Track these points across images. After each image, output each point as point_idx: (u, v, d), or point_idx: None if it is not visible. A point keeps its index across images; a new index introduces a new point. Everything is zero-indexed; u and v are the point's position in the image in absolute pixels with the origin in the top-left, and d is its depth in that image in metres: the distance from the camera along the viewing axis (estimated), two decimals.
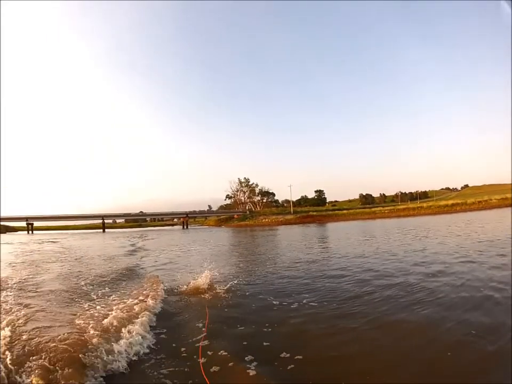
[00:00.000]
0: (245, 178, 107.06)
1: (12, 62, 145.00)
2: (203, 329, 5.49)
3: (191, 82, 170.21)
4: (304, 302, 6.93)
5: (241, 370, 4.13)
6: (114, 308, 6.98)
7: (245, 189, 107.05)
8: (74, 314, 6.47)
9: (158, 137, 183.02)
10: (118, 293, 8.88)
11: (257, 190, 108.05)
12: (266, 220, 76.67)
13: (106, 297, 8.36)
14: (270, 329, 5.57)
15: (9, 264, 15.89)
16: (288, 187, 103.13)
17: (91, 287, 9.77)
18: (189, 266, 12.96)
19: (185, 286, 9.27)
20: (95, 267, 14.55)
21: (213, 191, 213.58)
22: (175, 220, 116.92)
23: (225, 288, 8.71)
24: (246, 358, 4.43)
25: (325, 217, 71.82)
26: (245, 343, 5.02)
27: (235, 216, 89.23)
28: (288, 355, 4.49)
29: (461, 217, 39.68)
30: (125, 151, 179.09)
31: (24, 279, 11.60)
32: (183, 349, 4.89)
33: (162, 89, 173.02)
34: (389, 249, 14.50)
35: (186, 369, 4.25)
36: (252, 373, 4.05)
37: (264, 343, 4.95)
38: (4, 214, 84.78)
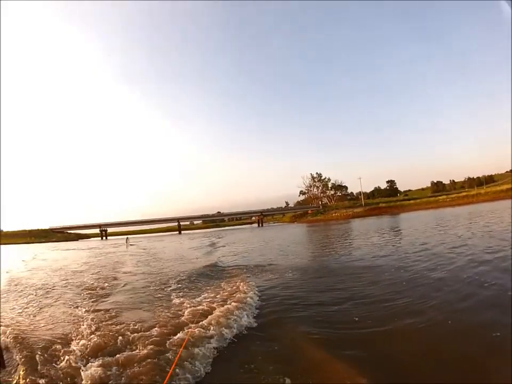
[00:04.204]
0: (317, 173, 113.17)
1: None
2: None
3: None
4: None
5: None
6: (214, 297, 8.84)
7: (317, 184, 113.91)
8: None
9: (232, 139, 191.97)
10: (210, 286, 10.68)
11: (329, 184, 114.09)
12: (336, 214, 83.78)
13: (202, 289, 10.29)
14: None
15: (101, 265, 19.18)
16: (359, 179, 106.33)
17: (179, 282, 11.58)
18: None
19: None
20: (175, 265, 17.25)
21: (289, 187, 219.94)
22: (253, 218, 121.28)
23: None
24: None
25: (392, 209, 77.62)
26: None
27: (309, 212, 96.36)
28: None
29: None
30: (198, 156, 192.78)
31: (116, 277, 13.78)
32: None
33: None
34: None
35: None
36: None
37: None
38: (77, 223, 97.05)
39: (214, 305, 7.95)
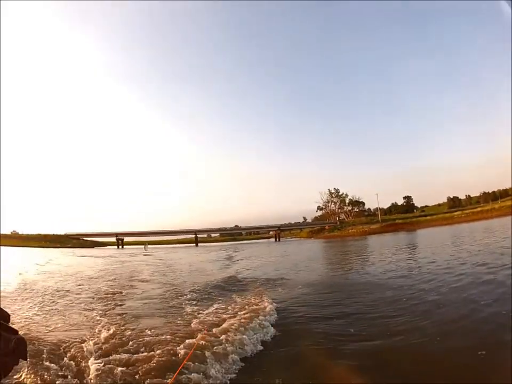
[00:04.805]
0: (334, 188, 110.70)
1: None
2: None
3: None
4: None
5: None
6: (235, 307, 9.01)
7: (335, 200, 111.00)
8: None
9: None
10: (223, 297, 10.91)
11: (347, 200, 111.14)
12: (353, 230, 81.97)
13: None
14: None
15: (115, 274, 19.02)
16: (375, 195, 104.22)
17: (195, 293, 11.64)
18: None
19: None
20: (191, 276, 17.48)
21: (308, 202, 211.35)
22: (270, 232, 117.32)
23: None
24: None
25: (408, 225, 75.66)
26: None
27: (326, 227, 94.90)
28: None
29: None
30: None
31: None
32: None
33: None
34: None
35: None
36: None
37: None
38: (93, 231, 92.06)
39: (225, 315, 8.27)
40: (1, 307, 1.30)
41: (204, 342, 6.01)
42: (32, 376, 4.71)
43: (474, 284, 10.25)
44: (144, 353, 5.64)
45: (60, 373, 4.94)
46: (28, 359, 4.97)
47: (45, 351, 5.64)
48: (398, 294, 10.16)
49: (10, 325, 1.26)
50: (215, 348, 5.85)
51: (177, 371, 4.54)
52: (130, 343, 6.20)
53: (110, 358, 5.42)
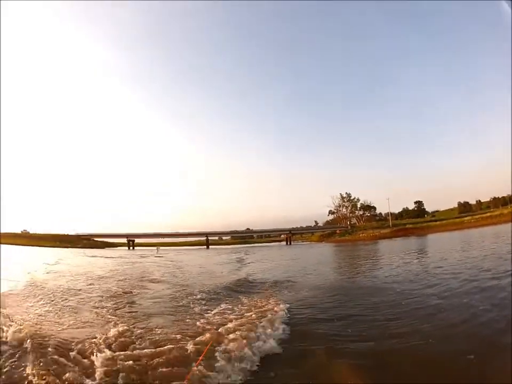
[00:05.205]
0: (346, 193, 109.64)
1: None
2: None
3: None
4: None
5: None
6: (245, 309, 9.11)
7: (346, 204, 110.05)
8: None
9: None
10: (231, 298, 11.02)
11: (358, 205, 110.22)
12: (364, 234, 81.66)
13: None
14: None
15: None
16: (387, 199, 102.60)
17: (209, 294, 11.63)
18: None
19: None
20: (201, 278, 17.54)
21: (320, 206, 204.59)
22: (282, 236, 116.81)
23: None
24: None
25: (418, 230, 74.67)
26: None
27: (337, 232, 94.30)
28: None
29: None
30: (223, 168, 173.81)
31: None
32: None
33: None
34: None
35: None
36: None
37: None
38: (107, 231, 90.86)
39: (233, 316, 8.45)
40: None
41: (214, 342, 6.09)
42: (42, 369, 4.79)
43: (478, 289, 10.17)
44: (153, 350, 5.71)
45: (69, 367, 5.02)
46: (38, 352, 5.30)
47: (55, 345, 5.77)
48: (401, 298, 10.14)
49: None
50: (227, 347, 5.92)
51: (196, 364, 4.74)
52: (139, 340, 6.32)
53: (119, 353, 5.51)
